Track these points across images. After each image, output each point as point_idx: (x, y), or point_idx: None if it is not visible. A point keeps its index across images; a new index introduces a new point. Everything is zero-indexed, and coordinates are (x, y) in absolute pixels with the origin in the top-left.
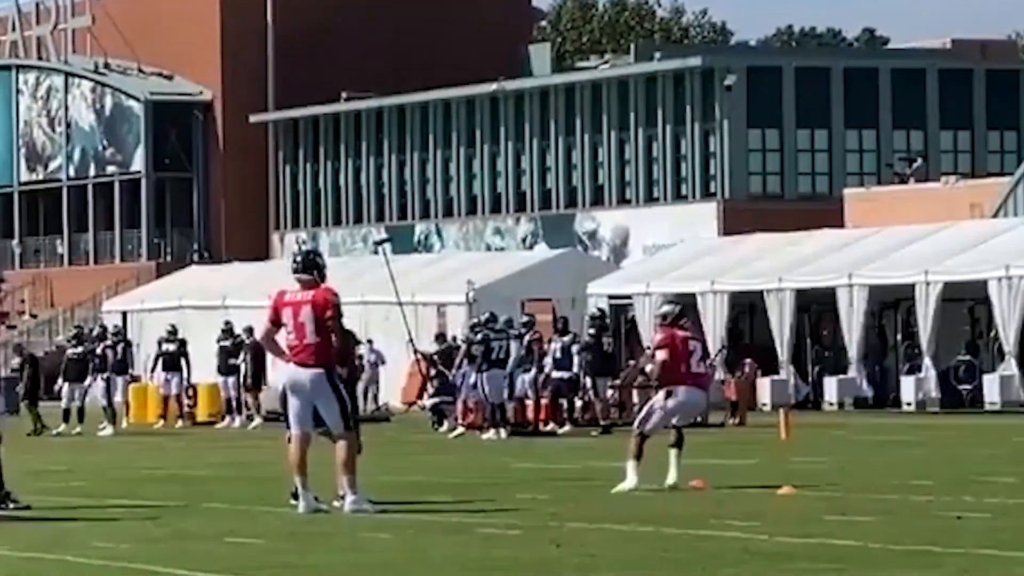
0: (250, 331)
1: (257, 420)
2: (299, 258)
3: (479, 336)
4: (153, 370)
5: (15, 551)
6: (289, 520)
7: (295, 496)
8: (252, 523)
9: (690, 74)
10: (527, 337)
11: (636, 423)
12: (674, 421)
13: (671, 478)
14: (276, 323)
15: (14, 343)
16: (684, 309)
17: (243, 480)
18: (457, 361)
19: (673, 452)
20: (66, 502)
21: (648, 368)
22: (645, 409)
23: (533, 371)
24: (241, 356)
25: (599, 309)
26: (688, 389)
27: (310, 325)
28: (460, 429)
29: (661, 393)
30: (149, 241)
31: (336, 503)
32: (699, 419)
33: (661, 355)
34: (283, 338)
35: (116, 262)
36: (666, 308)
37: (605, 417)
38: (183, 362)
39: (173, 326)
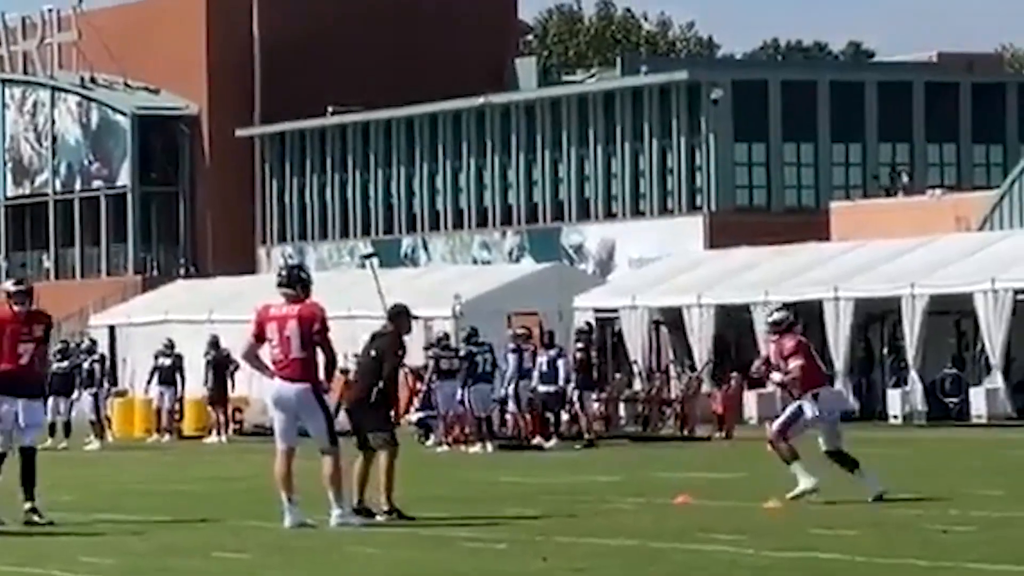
0: (215, 344)
1: (223, 437)
2: (284, 272)
3: (463, 352)
4: (149, 383)
5: (1, 565)
6: (275, 535)
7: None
8: (238, 538)
9: (676, 88)
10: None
11: (778, 431)
12: (822, 440)
13: (877, 489)
14: (260, 338)
15: None
16: (798, 314)
17: (229, 494)
18: (427, 376)
19: (857, 473)
20: (52, 517)
21: (776, 377)
22: (786, 416)
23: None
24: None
25: (586, 323)
26: (830, 391)
27: (296, 340)
28: (445, 447)
29: (807, 399)
30: (135, 255)
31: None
32: (688, 431)
33: (797, 361)
34: (266, 353)
35: (103, 276)
36: (779, 315)
37: (589, 431)
38: (177, 376)
39: (170, 340)
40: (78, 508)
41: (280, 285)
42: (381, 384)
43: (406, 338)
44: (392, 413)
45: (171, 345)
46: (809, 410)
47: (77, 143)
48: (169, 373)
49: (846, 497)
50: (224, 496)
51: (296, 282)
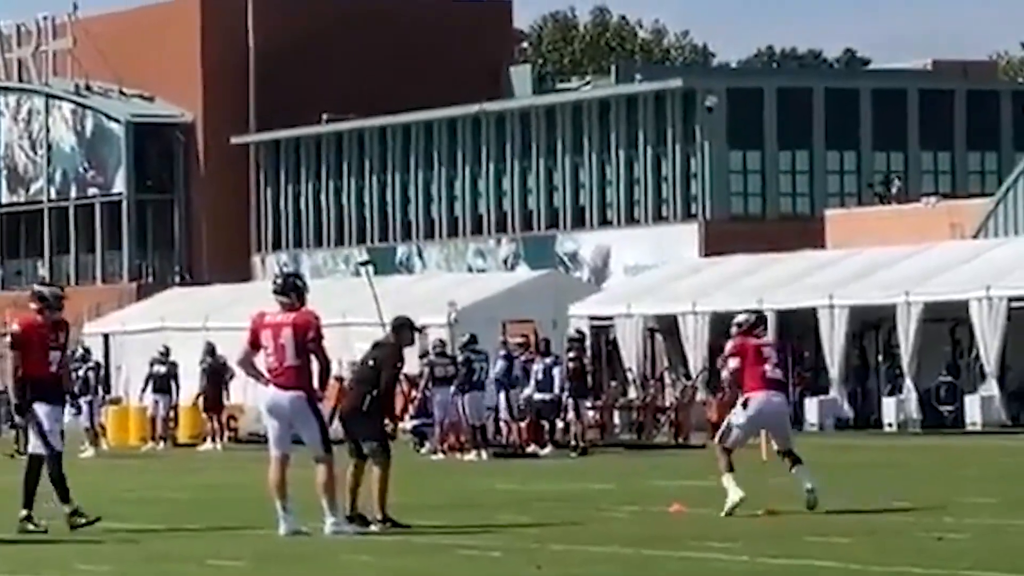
0: (211, 352)
1: (218, 444)
2: (279, 280)
3: (460, 358)
4: (144, 391)
5: None
6: (270, 542)
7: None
8: (233, 545)
9: (671, 95)
10: (522, 358)
11: (718, 438)
12: (774, 441)
13: (809, 484)
14: (255, 345)
15: None
16: (761, 318)
17: (224, 502)
18: (422, 384)
19: (796, 469)
20: (47, 524)
21: (724, 375)
22: (724, 424)
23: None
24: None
25: (578, 331)
26: (764, 396)
27: (290, 347)
28: (440, 455)
29: (738, 405)
30: (130, 263)
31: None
32: (683, 439)
33: (733, 363)
34: (261, 361)
35: (98, 284)
36: (741, 317)
37: (583, 438)
38: (173, 384)
39: (166, 347)
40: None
41: (276, 293)
42: (375, 393)
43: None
44: (387, 423)
45: (166, 352)
46: (734, 418)
47: (72, 150)
48: (164, 381)
49: (841, 505)
50: (219, 504)
51: (291, 290)
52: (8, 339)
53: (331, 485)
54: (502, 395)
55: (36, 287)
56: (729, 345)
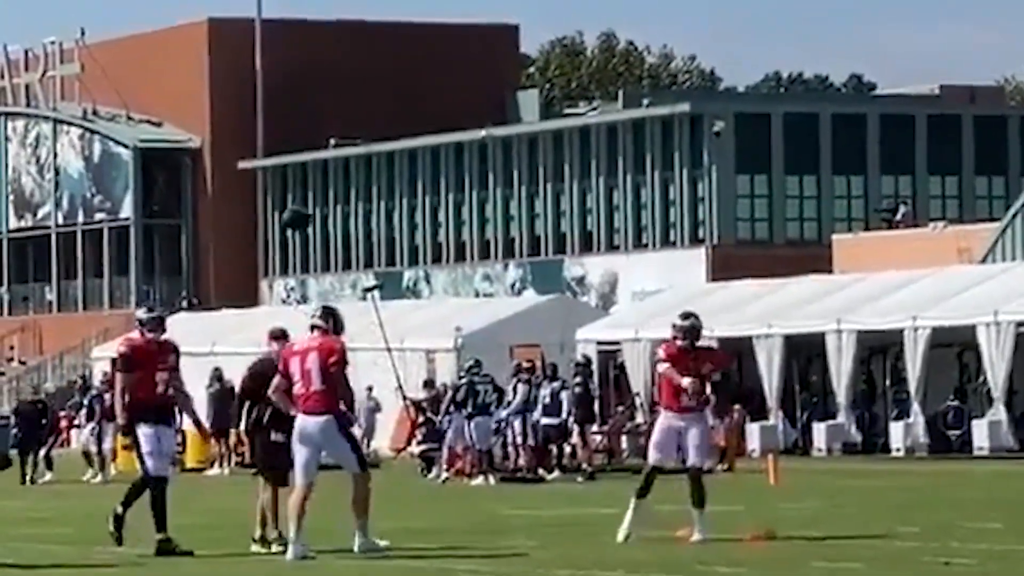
0: (218, 377)
1: (225, 469)
2: (318, 310)
3: (464, 382)
4: None
5: None
6: (277, 567)
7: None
8: (240, 570)
9: (678, 120)
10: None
11: (701, 463)
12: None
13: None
14: (287, 375)
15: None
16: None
17: (231, 527)
18: (444, 407)
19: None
20: (53, 550)
21: (658, 370)
22: (704, 447)
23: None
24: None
25: (584, 356)
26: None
27: (316, 371)
28: (445, 475)
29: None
30: (138, 288)
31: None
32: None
33: (669, 371)
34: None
35: (105, 309)
36: (688, 322)
37: (590, 463)
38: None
39: None
40: (79, 541)
41: (312, 316)
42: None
43: (413, 372)
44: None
45: None
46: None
47: (79, 176)
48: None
49: (848, 531)
50: (226, 528)
51: (329, 315)
52: (117, 360)
53: (364, 503)
54: (517, 421)
55: (136, 312)
56: (670, 349)
